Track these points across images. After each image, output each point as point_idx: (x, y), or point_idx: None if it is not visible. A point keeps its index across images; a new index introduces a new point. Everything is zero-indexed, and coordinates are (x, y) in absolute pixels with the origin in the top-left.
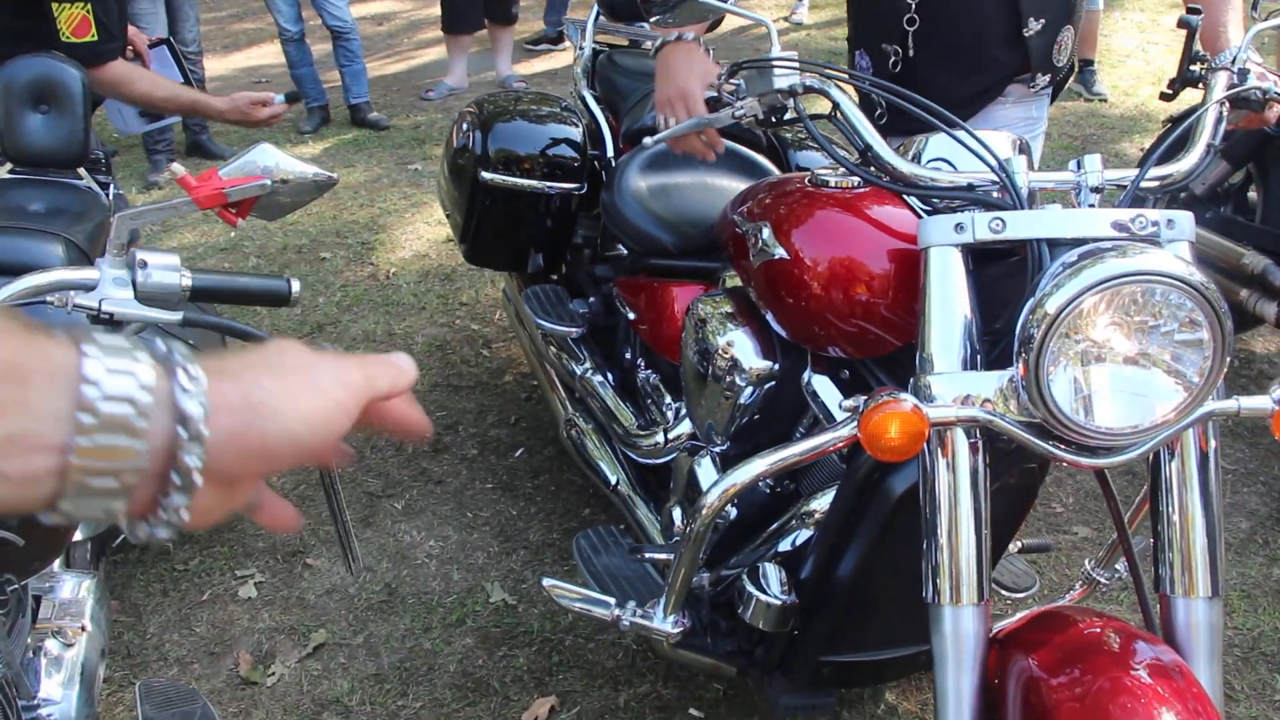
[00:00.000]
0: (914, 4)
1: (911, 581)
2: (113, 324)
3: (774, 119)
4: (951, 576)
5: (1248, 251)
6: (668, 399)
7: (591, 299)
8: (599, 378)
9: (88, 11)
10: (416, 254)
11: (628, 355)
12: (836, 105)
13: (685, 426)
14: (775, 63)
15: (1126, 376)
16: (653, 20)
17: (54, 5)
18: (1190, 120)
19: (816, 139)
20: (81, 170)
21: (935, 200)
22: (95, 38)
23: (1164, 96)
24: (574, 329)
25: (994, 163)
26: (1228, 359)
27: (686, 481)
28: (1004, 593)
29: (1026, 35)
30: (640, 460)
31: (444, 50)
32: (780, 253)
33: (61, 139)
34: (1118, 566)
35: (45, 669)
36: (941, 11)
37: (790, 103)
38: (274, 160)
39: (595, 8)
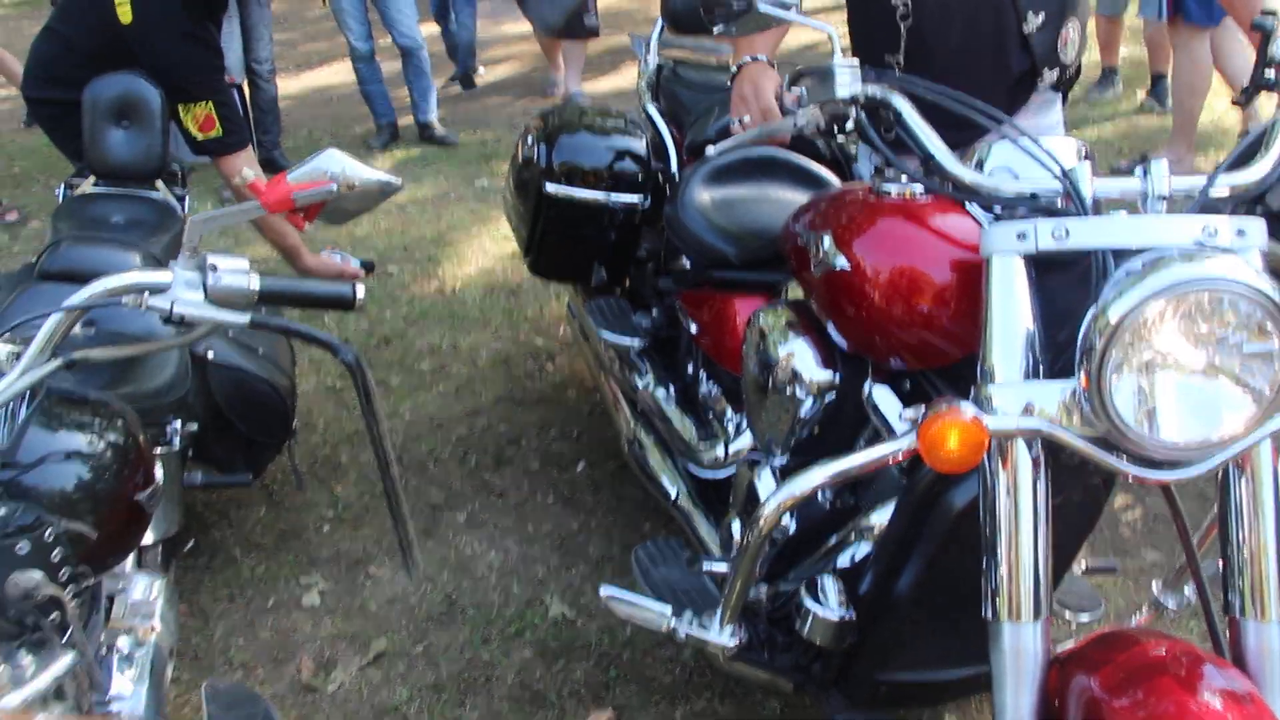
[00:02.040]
0: (909, 10)
1: (971, 599)
2: (184, 325)
3: (835, 128)
4: (1011, 592)
5: None
6: (729, 412)
7: (654, 311)
8: (661, 391)
9: (210, 110)
10: (482, 269)
11: (690, 368)
12: (899, 114)
13: (746, 440)
14: (836, 68)
15: (1193, 388)
16: (716, 31)
17: (180, 106)
18: (1265, 126)
19: (879, 147)
20: (159, 183)
21: (998, 209)
22: (220, 132)
23: (1236, 103)
24: (636, 341)
25: (1058, 170)
26: None
27: (746, 494)
28: (1067, 615)
29: (1027, 32)
30: (701, 474)
31: (510, 68)
32: (841, 262)
33: (141, 153)
34: (1186, 590)
35: (117, 665)
36: (935, 15)
37: (852, 111)
38: (340, 166)
39: (659, 21)
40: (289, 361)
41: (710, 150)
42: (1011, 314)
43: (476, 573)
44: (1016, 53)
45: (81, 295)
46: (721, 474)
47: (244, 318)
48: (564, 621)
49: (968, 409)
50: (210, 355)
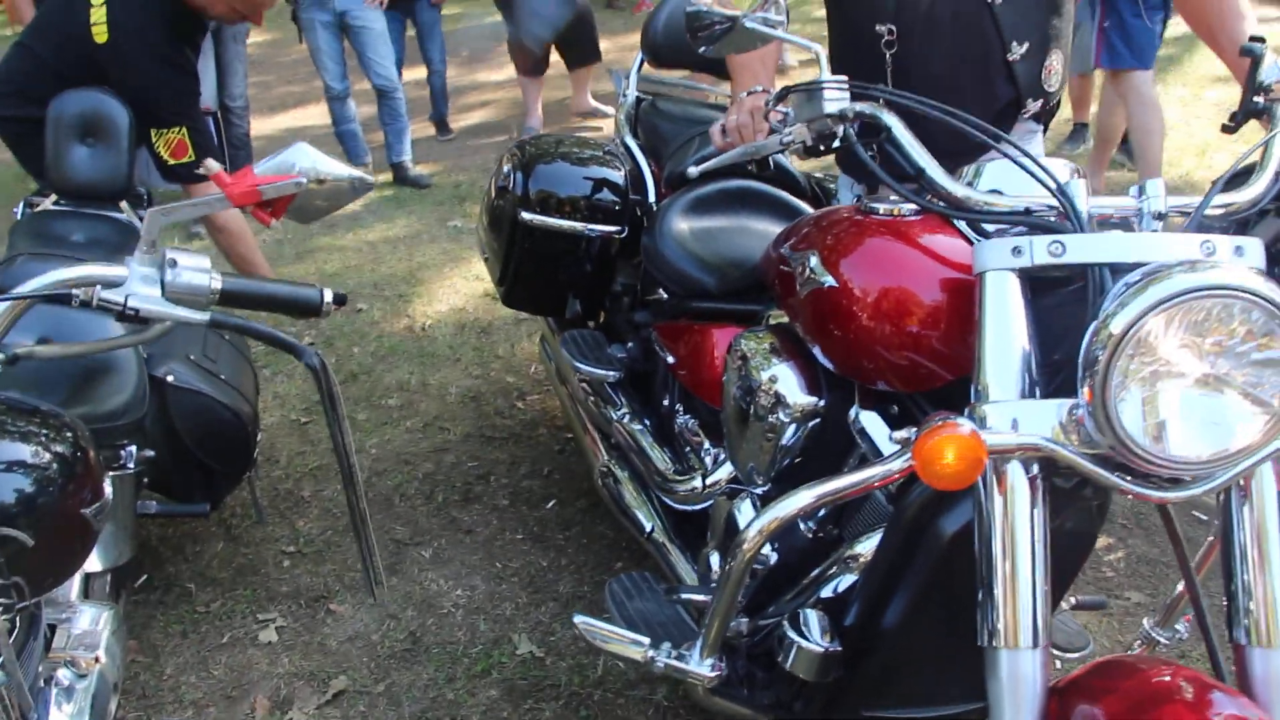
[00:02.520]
0: (894, 38)
1: (963, 631)
2: (139, 320)
3: (822, 146)
4: (1008, 619)
5: None
6: (706, 444)
7: (630, 345)
8: (636, 423)
9: (183, 135)
10: (454, 307)
11: (666, 401)
12: (888, 129)
13: (724, 471)
14: (824, 85)
15: (1201, 401)
16: (700, 50)
17: (153, 132)
18: (1256, 146)
19: (868, 164)
20: (123, 204)
21: (990, 227)
22: (193, 158)
23: (1225, 129)
24: (612, 373)
25: (1054, 186)
26: None
27: (724, 526)
28: (1055, 652)
29: (1011, 60)
30: (677, 506)
31: (485, 114)
32: (829, 280)
33: (105, 172)
34: (1178, 626)
35: (55, 699)
36: (920, 44)
37: (840, 129)
38: (311, 160)
39: (639, 55)
40: (253, 389)
41: (691, 170)
42: (1006, 331)
43: (442, 609)
44: (1001, 81)
45: (30, 285)
46: (697, 507)
47: (203, 316)
48: (532, 660)
49: (965, 423)
50: (171, 379)
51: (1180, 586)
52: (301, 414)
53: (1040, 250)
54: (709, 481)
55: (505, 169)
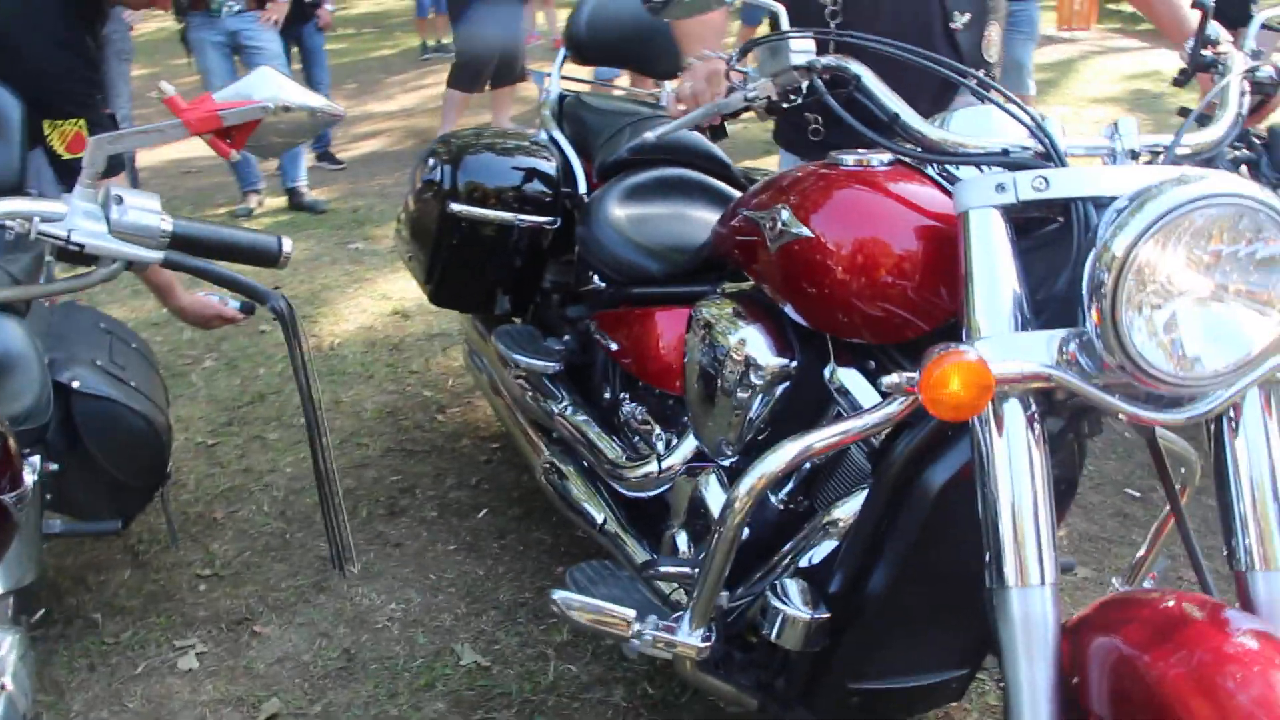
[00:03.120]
0: (838, 7)
1: (952, 592)
2: (83, 258)
3: (787, 101)
4: (1018, 556)
5: None
6: (657, 430)
7: (566, 337)
8: (579, 414)
9: (81, 128)
10: (361, 326)
11: (608, 392)
12: (857, 77)
13: (680, 454)
14: (791, 37)
15: (1208, 314)
16: (653, 15)
17: (46, 123)
18: (1216, 89)
19: (839, 113)
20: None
21: (967, 172)
22: None
23: (1176, 83)
24: (552, 364)
25: (1032, 123)
26: None
27: (689, 505)
28: None
29: (954, 29)
30: (630, 494)
31: (382, 143)
32: (802, 231)
33: None
34: (1145, 584)
35: None
36: (862, 12)
37: (806, 81)
38: (275, 87)
39: (562, 51)
40: (163, 397)
41: (649, 135)
42: (993, 268)
43: (376, 624)
44: (945, 50)
45: None
46: (652, 493)
47: (156, 255)
48: (478, 670)
49: (971, 351)
50: (76, 384)
51: (1144, 549)
52: (208, 436)
53: (1025, 185)
54: (665, 465)
55: (430, 163)
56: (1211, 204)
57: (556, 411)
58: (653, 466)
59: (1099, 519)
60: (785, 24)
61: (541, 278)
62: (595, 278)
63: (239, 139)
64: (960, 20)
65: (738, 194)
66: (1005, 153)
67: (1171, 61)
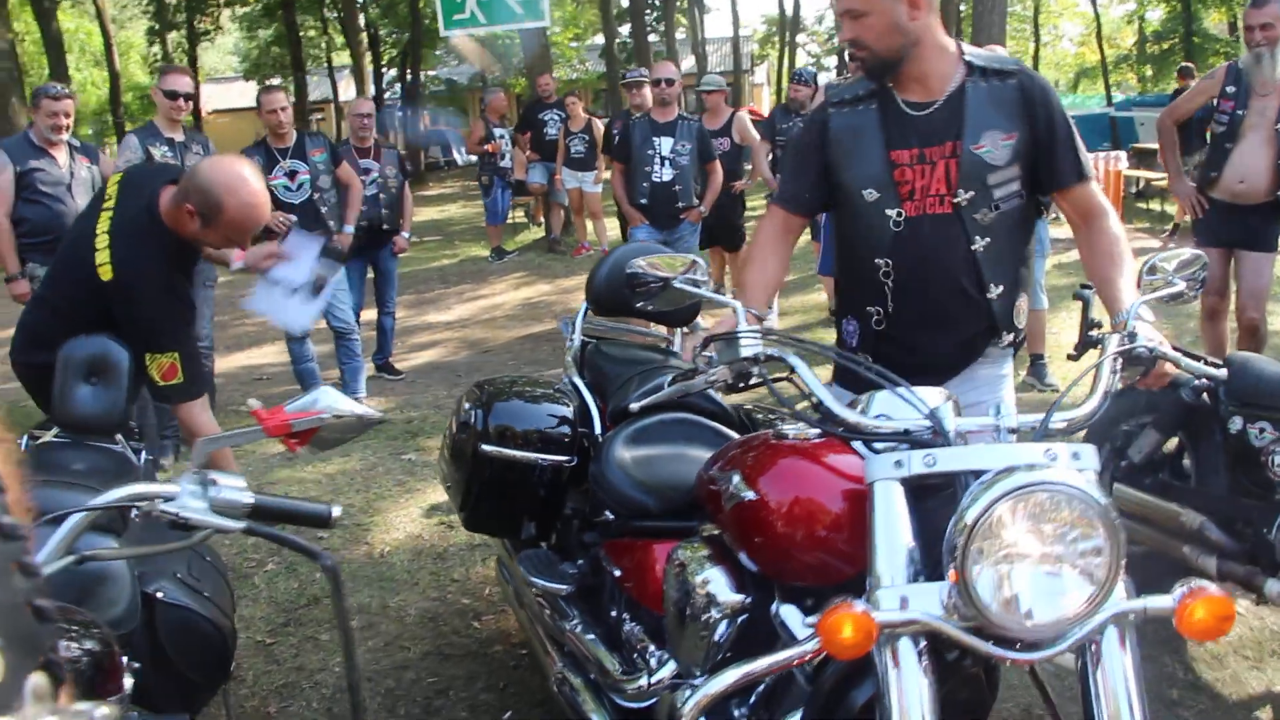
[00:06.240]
0: (890, 271)
1: None
2: (186, 528)
3: (741, 384)
4: None
5: (1185, 511)
6: (651, 647)
7: (580, 561)
8: (587, 631)
9: (175, 359)
10: (410, 535)
11: (614, 611)
12: (793, 368)
13: (667, 670)
14: (740, 335)
15: (1043, 576)
16: (637, 306)
17: (147, 356)
18: (1085, 372)
19: (777, 397)
20: (118, 437)
21: (878, 446)
22: (182, 379)
23: (1070, 357)
24: (564, 587)
25: (925, 410)
26: (1123, 560)
27: (668, 716)
28: None
29: (989, 298)
30: (627, 705)
31: (438, 353)
32: (749, 495)
33: (105, 409)
34: None
35: None
36: (914, 277)
37: (755, 369)
38: (332, 400)
39: (584, 305)
40: (230, 605)
41: (632, 405)
42: (893, 529)
43: None
44: (982, 314)
45: (103, 499)
46: (645, 704)
47: (239, 525)
48: None
49: (859, 604)
50: (160, 595)
51: None
52: (266, 635)
53: (917, 462)
54: (654, 680)
55: (466, 406)
56: (1046, 490)
57: (567, 628)
58: (643, 681)
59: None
60: (742, 319)
61: (563, 506)
62: (606, 510)
63: (304, 438)
64: (994, 290)
65: (730, 433)
66: (907, 432)
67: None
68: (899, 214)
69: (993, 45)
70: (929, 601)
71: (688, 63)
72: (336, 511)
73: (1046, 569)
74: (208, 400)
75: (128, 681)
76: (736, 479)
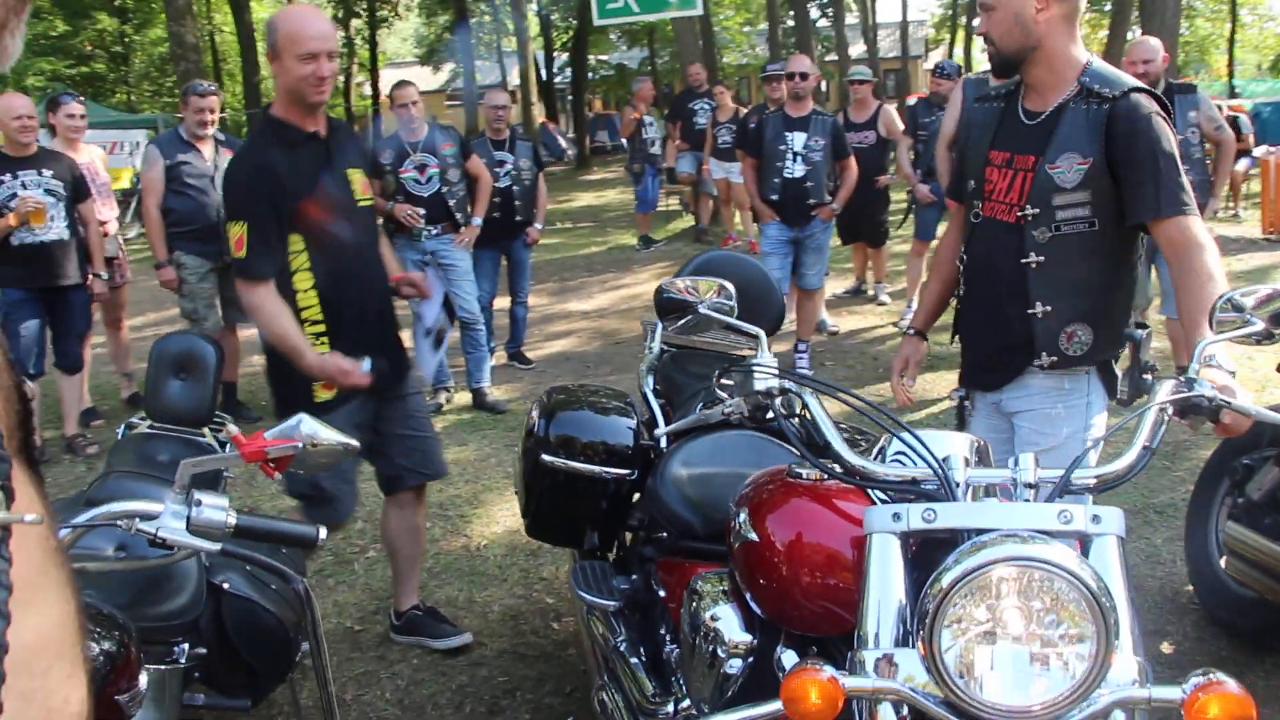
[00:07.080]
0: (963, 261)
1: None
2: (165, 547)
3: (758, 416)
4: None
5: None
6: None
7: (634, 576)
8: (629, 650)
9: (244, 231)
10: (508, 530)
11: (661, 630)
12: (806, 405)
13: (688, 700)
14: (755, 369)
15: (1019, 656)
16: (670, 329)
17: (229, 222)
18: (1121, 424)
19: (789, 435)
20: (205, 430)
21: (889, 493)
22: (245, 254)
23: (1120, 402)
24: (611, 603)
25: (932, 461)
26: (1113, 651)
27: None
28: None
29: (1031, 314)
30: None
31: (572, 343)
32: (752, 535)
33: (193, 402)
34: None
35: None
36: (976, 273)
37: (770, 403)
38: (311, 428)
39: None
40: (299, 600)
41: (658, 432)
42: (886, 586)
43: None
44: (1021, 329)
45: (84, 516)
46: None
47: (214, 546)
48: None
49: (825, 669)
50: (226, 585)
51: None
52: (356, 621)
53: (915, 516)
54: (681, 707)
55: (534, 413)
56: (1029, 565)
57: (610, 645)
58: (670, 708)
59: None
60: (763, 349)
61: (626, 517)
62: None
63: (280, 465)
64: (1040, 309)
65: (790, 452)
66: (914, 481)
67: None
68: (978, 211)
69: (1145, 39)
70: (914, 666)
71: (857, 48)
72: (323, 534)
73: (1024, 650)
74: (274, 288)
75: (143, 679)
76: (743, 517)
